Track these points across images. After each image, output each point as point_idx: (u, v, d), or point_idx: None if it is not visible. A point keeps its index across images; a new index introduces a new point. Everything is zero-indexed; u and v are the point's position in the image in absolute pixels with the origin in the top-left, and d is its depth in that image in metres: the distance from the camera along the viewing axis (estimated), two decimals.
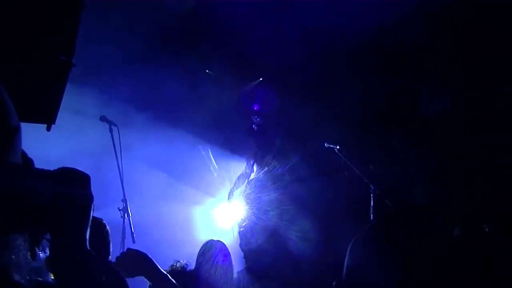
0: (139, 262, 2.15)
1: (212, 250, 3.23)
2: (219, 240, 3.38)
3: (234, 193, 5.91)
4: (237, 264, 3.77)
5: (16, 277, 0.85)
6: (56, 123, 2.18)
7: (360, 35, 6.20)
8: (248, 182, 6.08)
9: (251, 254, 3.57)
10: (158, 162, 6.10)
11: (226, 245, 3.37)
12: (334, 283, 1.31)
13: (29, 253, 0.94)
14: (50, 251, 0.94)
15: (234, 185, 5.92)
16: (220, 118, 6.80)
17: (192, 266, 3.21)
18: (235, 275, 3.36)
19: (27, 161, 0.96)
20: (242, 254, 4.11)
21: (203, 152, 6.68)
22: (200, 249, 3.30)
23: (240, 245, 3.71)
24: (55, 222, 0.89)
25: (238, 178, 6.09)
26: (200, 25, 6.33)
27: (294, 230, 5.92)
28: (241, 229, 4.25)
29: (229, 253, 3.28)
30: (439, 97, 6.30)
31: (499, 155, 6.01)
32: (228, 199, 5.85)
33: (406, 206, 6.05)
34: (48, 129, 2.13)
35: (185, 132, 6.32)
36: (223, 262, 3.16)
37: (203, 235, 5.31)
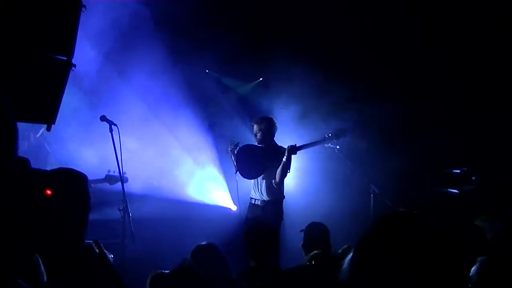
0: None
1: (203, 254, 3.24)
2: (209, 243, 3.39)
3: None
4: (237, 263, 3.77)
5: (18, 278, 0.86)
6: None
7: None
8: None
9: (254, 252, 3.59)
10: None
11: (217, 244, 3.38)
12: (339, 282, 1.32)
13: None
14: (48, 248, 0.95)
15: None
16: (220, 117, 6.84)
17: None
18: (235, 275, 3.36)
19: (24, 162, 0.97)
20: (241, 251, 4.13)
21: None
22: (192, 254, 3.30)
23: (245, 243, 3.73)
24: (54, 221, 0.90)
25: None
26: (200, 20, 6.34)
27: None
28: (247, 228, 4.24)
29: (221, 254, 3.29)
30: (440, 97, 6.32)
31: (499, 155, 6.01)
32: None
33: (409, 207, 6.05)
34: (48, 129, 2.13)
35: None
36: (216, 264, 3.18)
37: (203, 233, 5.30)
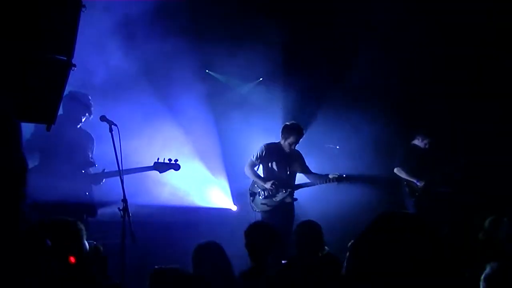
0: None
1: (208, 252, 3.23)
2: (212, 241, 3.38)
3: None
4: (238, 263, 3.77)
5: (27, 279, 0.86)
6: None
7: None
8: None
9: (254, 252, 3.59)
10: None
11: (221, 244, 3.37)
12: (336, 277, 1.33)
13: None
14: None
15: None
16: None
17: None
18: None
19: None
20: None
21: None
22: (194, 253, 3.29)
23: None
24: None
25: None
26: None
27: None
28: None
29: (225, 253, 3.29)
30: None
31: (499, 155, 6.03)
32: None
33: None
34: (48, 129, 2.13)
35: None
36: (219, 262, 3.18)
37: (203, 232, 5.29)
